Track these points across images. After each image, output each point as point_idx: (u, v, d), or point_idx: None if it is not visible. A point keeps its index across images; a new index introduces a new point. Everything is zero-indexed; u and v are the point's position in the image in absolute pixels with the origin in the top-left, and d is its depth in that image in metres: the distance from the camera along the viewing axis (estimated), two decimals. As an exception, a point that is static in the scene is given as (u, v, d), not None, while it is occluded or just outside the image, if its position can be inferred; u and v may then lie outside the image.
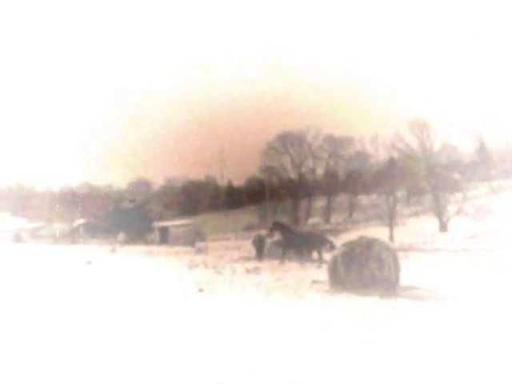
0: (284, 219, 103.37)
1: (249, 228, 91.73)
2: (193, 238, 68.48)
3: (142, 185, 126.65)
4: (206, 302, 14.57)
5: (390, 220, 73.28)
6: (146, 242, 75.69)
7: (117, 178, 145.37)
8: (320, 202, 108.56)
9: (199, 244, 58.03)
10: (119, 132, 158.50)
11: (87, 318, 12.02)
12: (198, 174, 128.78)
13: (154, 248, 56.33)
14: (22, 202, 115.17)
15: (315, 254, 32.67)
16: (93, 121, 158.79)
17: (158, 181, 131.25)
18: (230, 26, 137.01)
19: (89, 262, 29.57)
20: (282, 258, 31.97)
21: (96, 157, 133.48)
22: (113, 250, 45.92)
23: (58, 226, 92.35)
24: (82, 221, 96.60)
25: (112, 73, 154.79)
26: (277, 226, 34.71)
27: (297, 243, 33.07)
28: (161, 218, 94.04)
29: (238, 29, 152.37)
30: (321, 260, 30.17)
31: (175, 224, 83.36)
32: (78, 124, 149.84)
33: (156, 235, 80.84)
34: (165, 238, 77.45)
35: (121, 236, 76.84)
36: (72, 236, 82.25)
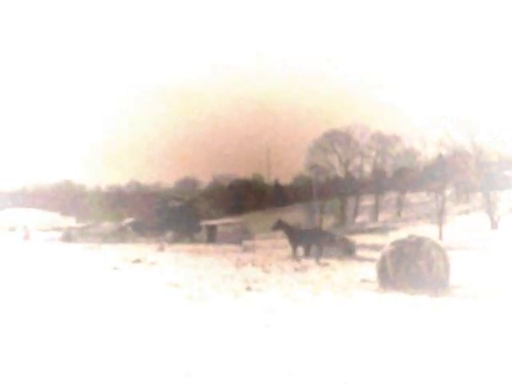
0: (331, 218, 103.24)
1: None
2: (240, 237, 68.55)
3: (189, 183, 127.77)
4: (254, 300, 14.56)
5: (439, 218, 72.36)
6: (194, 241, 76.17)
7: (164, 176, 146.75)
8: (368, 201, 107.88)
9: (247, 242, 58.02)
10: (167, 132, 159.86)
11: (134, 316, 12.11)
12: (245, 173, 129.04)
13: (202, 246, 56.62)
14: (72, 201, 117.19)
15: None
16: (140, 121, 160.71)
17: (205, 179, 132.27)
18: (279, 24, 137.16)
19: (137, 261, 29.83)
20: (293, 254, 34.64)
21: (144, 156, 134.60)
22: (161, 249, 46.25)
23: (107, 225, 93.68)
24: (130, 219, 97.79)
25: (159, 72, 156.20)
26: (279, 225, 37.27)
27: (301, 240, 35.28)
28: (208, 216, 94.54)
29: (284, 29, 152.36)
30: (319, 255, 32.58)
31: (223, 222, 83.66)
32: (127, 124, 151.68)
33: (204, 234, 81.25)
34: (212, 236, 77.77)
35: (169, 234, 77.47)
36: (120, 234, 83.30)
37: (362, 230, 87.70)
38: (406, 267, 16.91)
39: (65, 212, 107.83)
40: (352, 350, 9.22)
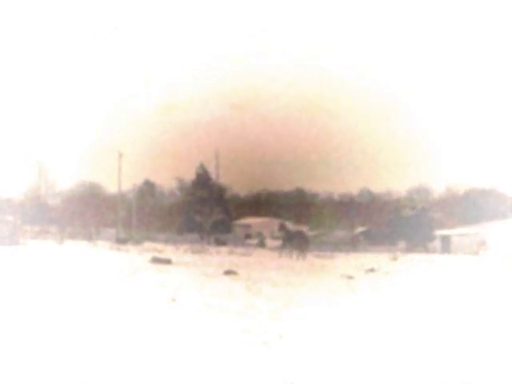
0: None
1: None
2: (476, 248, 66.14)
3: (422, 192, 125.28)
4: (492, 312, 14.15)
5: None
6: (427, 251, 74.78)
7: (396, 185, 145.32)
8: None
9: (483, 253, 55.93)
10: (401, 139, 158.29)
11: (369, 325, 12.08)
12: (480, 181, 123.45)
13: (436, 257, 55.42)
14: (305, 209, 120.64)
15: None
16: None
17: (439, 187, 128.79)
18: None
19: (371, 270, 30.11)
20: (280, 251, 44.20)
21: (375, 163, 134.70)
22: (394, 258, 46.17)
23: (339, 234, 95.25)
24: (362, 228, 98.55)
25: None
26: (281, 228, 48.85)
27: (290, 240, 44.45)
28: (442, 226, 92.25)
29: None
30: (303, 254, 42.22)
31: (457, 233, 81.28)
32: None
33: (437, 244, 79.55)
34: (446, 246, 75.87)
35: (401, 244, 76.96)
36: (352, 243, 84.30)
37: None
38: None
39: (297, 220, 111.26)
40: None
